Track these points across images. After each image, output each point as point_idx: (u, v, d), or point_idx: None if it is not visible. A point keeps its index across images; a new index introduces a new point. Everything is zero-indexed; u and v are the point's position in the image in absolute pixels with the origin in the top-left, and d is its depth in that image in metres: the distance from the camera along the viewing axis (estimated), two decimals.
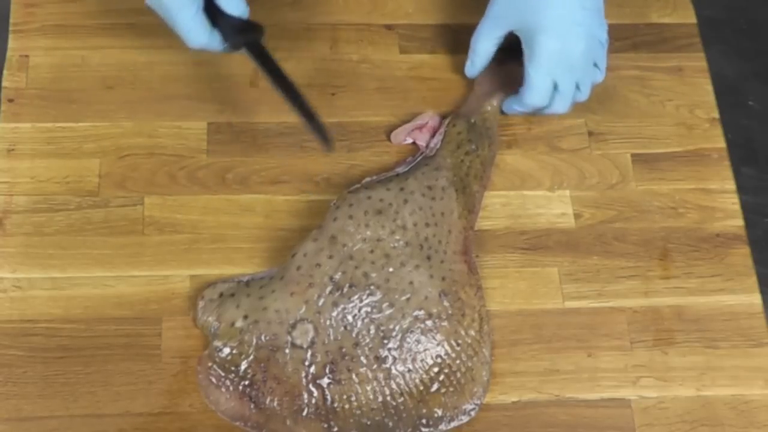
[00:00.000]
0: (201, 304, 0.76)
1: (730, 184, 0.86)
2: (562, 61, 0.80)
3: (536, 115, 0.86)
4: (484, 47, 0.85)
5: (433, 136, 0.84)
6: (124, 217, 0.81)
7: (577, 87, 0.83)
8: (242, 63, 0.88)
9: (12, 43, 0.87)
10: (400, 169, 0.81)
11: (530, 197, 0.85)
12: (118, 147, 0.84)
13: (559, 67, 0.81)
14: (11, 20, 0.89)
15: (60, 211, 0.81)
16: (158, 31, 0.89)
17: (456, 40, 0.91)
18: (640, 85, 0.90)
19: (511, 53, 0.85)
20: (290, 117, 0.86)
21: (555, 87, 0.82)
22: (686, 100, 0.90)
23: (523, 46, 0.82)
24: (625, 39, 0.92)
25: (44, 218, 0.80)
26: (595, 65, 0.83)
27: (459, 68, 0.89)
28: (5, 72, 0.86)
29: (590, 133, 0.88)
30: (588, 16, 0.81)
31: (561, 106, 0.83)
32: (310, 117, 0.78)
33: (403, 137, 0.85)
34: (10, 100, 0.85)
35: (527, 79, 0.81)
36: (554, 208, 0.84)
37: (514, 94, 0.84)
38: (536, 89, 0.81)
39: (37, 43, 0.88)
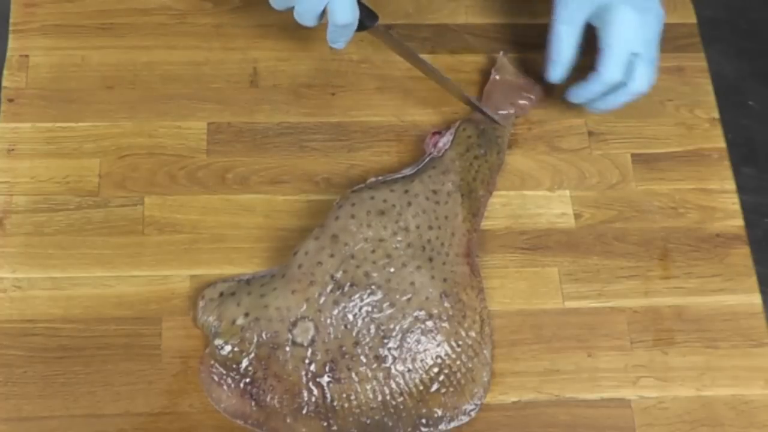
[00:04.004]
0: (201, 303, 0.76)
1: (730, 184, 0.86)
2: (640, 34, 0.80)
3: (606, 105, 0.84)
4: (567, 44, 0.82)
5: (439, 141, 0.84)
6: (124, 217, 0.81)
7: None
8: (242, 63, 0.88)
9: (12, 43, 0.87)
10: (407, 171, 0.81)
11: (530, 197, 0.85)
12: (118, 147, 0.84)
13: (637, 39, 0.80)
14: (11, 20, 0.88)
15: (60, 211, 0.81)
16: (158, 30, 0.89)
17: (456, 40, 0.91)
18: None
19: (507, 71, 0.88)
20: (290, 117, 0.87)
21: (631, 63, 0.80)
22: (686, 100, 0.90)
23: (599, 24, 0.81)
24: None
25: (44, 218, 0.80)
26: None
27: (459, 68, 0.89)
28: (5, 72, 0.86)
29: (590, 133, 0.88)
30: (657, 3, 0.81)
31: (644, 78, 0.81)
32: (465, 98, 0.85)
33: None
34: (10, 100, 0.85)
35: (604, 52, 0.80)
36: (554, 208, 0.84)
37: (578, 83, 0.83)
38: (614, 60, 0.80)
39: (37, 43, 0.88)
